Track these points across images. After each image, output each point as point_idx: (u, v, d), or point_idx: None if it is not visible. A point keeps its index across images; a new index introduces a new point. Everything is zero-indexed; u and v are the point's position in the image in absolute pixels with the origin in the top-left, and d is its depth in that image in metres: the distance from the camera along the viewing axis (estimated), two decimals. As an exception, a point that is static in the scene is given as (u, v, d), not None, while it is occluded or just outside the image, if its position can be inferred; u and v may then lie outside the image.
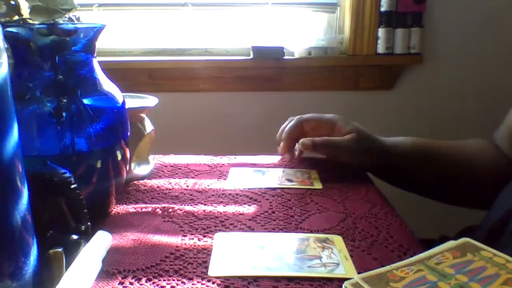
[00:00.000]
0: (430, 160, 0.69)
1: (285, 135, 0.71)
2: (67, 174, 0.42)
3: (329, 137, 0.68)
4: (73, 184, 0.42)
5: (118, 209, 0.55)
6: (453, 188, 0.70)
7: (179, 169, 0.71)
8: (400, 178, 0.71)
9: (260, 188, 0.62)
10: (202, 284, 0.40)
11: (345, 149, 0.66)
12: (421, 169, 0.69)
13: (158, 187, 0.63)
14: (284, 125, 0.74)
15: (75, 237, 0.41)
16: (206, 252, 0.45)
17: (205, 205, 0.57)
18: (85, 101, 0.49)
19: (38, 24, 0.46)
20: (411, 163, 0.69)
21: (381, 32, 1.44)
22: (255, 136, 1.51)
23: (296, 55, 1.46)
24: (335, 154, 0.68)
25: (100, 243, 0.43)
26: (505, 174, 0.63)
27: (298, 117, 0.72)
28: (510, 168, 0.65)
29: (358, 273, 0.40)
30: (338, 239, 0.48)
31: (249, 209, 0.56)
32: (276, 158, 0.77)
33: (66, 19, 0.49)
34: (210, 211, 0.55)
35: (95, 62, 0.51)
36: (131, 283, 0.40)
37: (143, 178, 0.66)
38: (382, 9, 1.43)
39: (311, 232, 0.50)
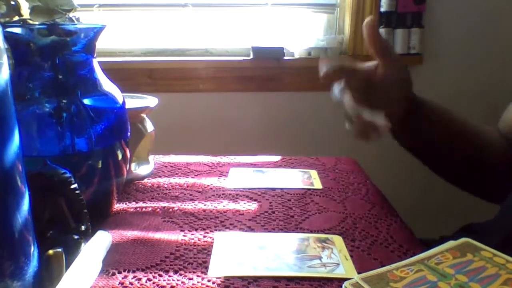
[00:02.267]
0: (453, 123, 0.66)
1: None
2: (67, 174, 0.42)
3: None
4: (73, 184, 0.42)
5: (118, 209, 0.56)
6: (468, 163, 0.66)
7: (179, 169, 0.71)
8: (424, 135, 0.65)
9: (260, 188, 0.62)
10: (202, 284, 0.40)
11: (397, 66, 0.60)
12: (442, 130, 0.65)
13: (158, 187, 0.63)
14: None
15: (75, 237, 0.41)
16: (206, 252, 0.46)
17: (205, 205, 0.57)
18: (85, 101, 0.49)
19: (38, 25, 0.46)
20: (437, 121, 0.65)
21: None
22: (255, 136, 1.51)
23: (296, 56, 1.46)
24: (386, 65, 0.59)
25: (100, 243, 0.43)
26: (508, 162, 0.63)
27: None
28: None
29: (358, 273, 0.40)
30: (338, 239, 0.48)
31: (249, 209, 0.56)
32: (276, 158, 0.77)
33: (66, 19, 0.49)
34: (210, 211, 0.55)
35: (95, 62, 0.51)
36: (131, 283, 0.40)
37: (143, 178, 0.66)
38: (382, 9, 1.43)
39: (311, 232, 0.50)
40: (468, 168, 0.67)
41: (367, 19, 0.58)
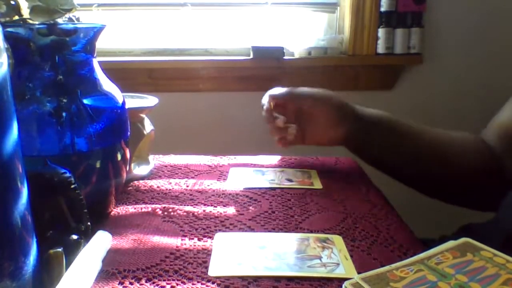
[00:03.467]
0: (393, 137, 0.66)
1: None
2: (67, 174, 0.42)
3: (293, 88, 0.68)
4: (73, 184, 0.42)
5: (118, 209, 0.55)
6: (425, 175, 0.67)
7: (179, 169, 0.71)
8: (367, 152, 0.69)
9: (260, 188, 0.62)
10: (202, 284, 0.40)
11: (317, 100, 0.66)
12: (382, 145, 0.66)
13: (158, 187, 0.63)
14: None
15: (75, 237, 0.41)
16: (206, 252, 0.45)
17: (205, 205, 0.57)
18: (85, 101, 0.49)
19: (38, 24, 0.46)
20: (376, 136, 0.66)
21: (381, 32, 1.44)
22: (255, 136, 1.51)
23: (296, 55, 1.46)
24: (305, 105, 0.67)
25: (100, 243, 0.43)
26: (493, 172, 0.62)
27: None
28: (497, 165, 0.64)
29: (358, 273, 0.40)
30: (338, 239, 0.48)
31: (249, 209, 0.56)
32: (276, 158, 0.77)
33: (66, 19, 0.49)
34: (210, 211, 0.55)
35: (95, 62, 0.51)
36: (131, 283, 0.40)
37: (143, 178, 0.66)
38: (382, 9, 1.43)
39: (311, 232, 0.50)
40: (441, 179, 0.67)
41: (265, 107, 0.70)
